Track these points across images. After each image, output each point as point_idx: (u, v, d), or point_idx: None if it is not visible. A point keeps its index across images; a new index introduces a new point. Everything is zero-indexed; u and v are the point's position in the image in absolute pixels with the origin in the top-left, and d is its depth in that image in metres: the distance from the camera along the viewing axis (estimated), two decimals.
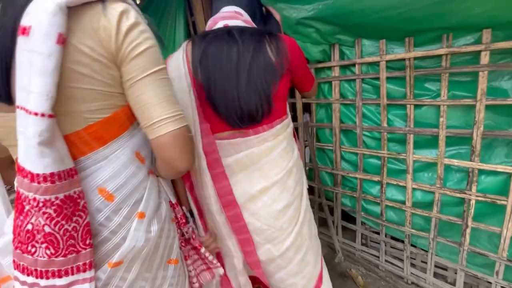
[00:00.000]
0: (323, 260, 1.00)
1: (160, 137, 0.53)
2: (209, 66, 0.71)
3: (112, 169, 0.54)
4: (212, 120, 0.75)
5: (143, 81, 0.52)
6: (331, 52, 1.49)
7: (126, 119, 0.57)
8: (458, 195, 1.25)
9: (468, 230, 1.25)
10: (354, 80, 1.46)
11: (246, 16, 0.81)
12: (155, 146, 0.56)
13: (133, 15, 0.51)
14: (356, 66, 1.42)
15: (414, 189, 1.39)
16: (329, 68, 1.54)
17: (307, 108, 1.78)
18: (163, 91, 0.53)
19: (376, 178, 1.50)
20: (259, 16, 0.90)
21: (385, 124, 1.40)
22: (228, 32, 0.72)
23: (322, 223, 1.88)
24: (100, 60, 0.49)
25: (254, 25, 0.82)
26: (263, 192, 0.79)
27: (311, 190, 1.86)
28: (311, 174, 1.82)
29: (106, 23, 0.48)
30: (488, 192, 1.18)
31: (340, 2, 1.20)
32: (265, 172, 0.79)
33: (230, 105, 0.71)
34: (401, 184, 1.42)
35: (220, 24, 0.77)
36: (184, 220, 0.77)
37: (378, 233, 1.61)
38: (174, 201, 0.73)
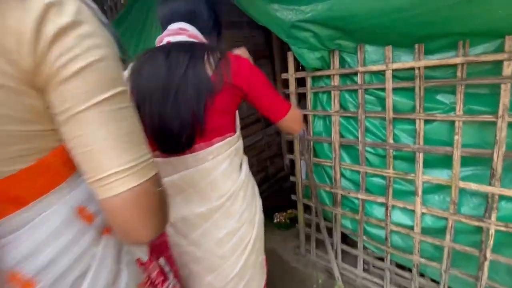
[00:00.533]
0: None
1: (112, 198, 0.36)
2: (142, 86, 0.68)
3: (33, 241, 0.36)
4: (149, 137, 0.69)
5: (86, 114, 0.34)
6: (330, 59, 1.34)
7: (62, 165, 0.39)
8: (475, 223, 1.10)
9: (487, 263, 1.10)
10: (356, 90, 1.31)
11: (192, 30, 0.75)
12: (105, 210, 0.38)
13: (70, 10, 0.32)
14: (359, 75, 1.27)
15: (423, 213, 1.23)
16: (328, 76, 1.39)
17: (303, 118, 1.63)
18: (119, 128, 0.36)
19: (380, 200, 1.34)
20: (212, 28, 0.81)
21: (390, 140, 1.25)
22: (163, 49, 0.69)
23: (319, 245, 1.72)
24: (5, 85, 0.31)
25: (203, 39, 0.76)
26: (203, 218, 0.74)
27: (307, 209, 1.70)
28: (307, 192, 1.66)
29: (19, 22, 0.30)
30: (510, 220, 1.03)
31: (341, 2, 1.05)
32: (206, 195, 0.73)
33: (155, 128, 0.67)
34: (408, 207, 1.26)
35: (164, 41, 0.73)
36: (162, 278, 0.60)
37: (382, 260, 1.45)
38: (145, 258, 0.56)
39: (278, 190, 2.87)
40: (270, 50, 2.67)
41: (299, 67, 1.79)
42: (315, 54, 1.30)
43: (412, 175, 1.21)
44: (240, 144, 0.79)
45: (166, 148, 0.69)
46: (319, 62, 1.33)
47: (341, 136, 1.42)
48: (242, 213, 0.78)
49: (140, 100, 0.67)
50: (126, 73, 0.70)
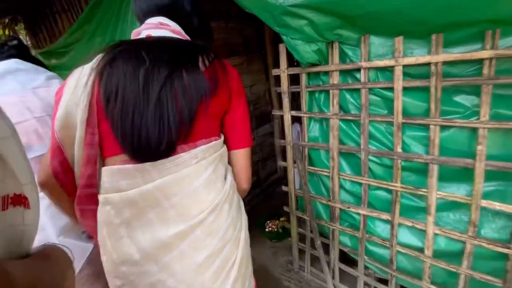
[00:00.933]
0: None
1: None
2: (113, 82, 0.57)
3: None
4: (111, 140, 0.59)
5: None
6: (328, 52, 1.14)
7: None
8: (499, 248, 0.92)
9: None
10: (358, 90, 1.11)
11: (174, 26, 0.68)
12: None
13: None
14: (362, 71, 1.07)
15: (436, 234, 1.06)
16: (326, 73, 1.20)
17: (298, 119, 1.44)
18: None
19: (385, 216, 1.16)
20: (197, 28, 0.74)
21: (399, 149, 1.06)
22: (144, 43, 0.61)
23: (314, 261, 1.54)
24: None
25: (187, 37, 0.69)
26: (180, 238, 0.60)
27: (301, 223, 1.51)
28: (302, 203, 1.48)
29: None
30: None
31: None
32: (185, 209, 0.61)
33: (127, 133, 0.56)
34: (418, 227, 1.08)
35: (142, 35, 0.66)
36: None
37: (386, 283, 1.27)
38: None
39: (271, 195, 2.69)
40: (262, 43, 2.46)
41: (293, 62, 1.58)
42: (311, 46, 1.10)
43: (424, 190, 1.03)
44: (224, 150, 0.69)
45: (138, 155, 0.58)
46: (315, 56, 1.13)
47: (341, 142, 1.23)
48: (226, 229, 0.66)
49: (110, 97, 0.56)
50: (91, 65, 0.59)
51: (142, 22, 0.70)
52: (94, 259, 0.92)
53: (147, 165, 0.57)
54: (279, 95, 2.74)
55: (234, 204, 0.70)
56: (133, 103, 0.55)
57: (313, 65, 1.20)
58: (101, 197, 0.60)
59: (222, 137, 0.68)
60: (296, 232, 1.55)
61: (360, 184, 1.21)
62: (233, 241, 0.68)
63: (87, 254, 0.92)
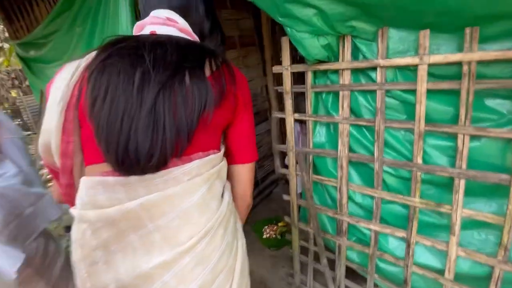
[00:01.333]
0: None
1: None
2: (102, 82, 0.50)
3: None
4: (94, 146, 0.52)
5: None
6: (339, 48, 0.99)
7: None
8: None
9: None
10: (373, 91, 0.97)
11: (184, 24, 0.61)
12: None
13: None
14: (378, 70, 0.93)
15: (459, 256, 0.94)
16: (335, 71, 1.05)
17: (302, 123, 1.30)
18: None
19: (401, 234, 1.04)
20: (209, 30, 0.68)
21: (419, 160, 0.93)
22: (145, 41, 0.52)
23: (318, 276, 1.42)
24: None
25: (196, 37, 0.63)
26: (164, 267, 0.52)
27: (304, 235, 1.39)
28: (305, 214, 1.35)
29: None
30: None
31: None
32: (173, 234, 0.53)
33: (112, 141, 0.48)
34: (439, 247, 0.96)
35: (146, 31, 0.60)
36: None
37: None
38: None
39: (268, 197, 2.56)
40: (260, 36, 2.29)
41: (296, 57, 1.43)
42: (320, 40, 0.95)
43: (448, 207, 0.91)
44: (224, 165, 0.61)
45: (123, 167, 0.50)
46: (324, 51, 0.98)
47: (351, 150, 1.09)
48: (219, 258, 0.57)
49: (98, 96, 0.50)
50: (78, 61, 0.53)
51: (146, 14, 0.63)
52: (31, 259, 0.92)
53: (132, 179, 0.50)
54: (279, 94, 2.60)
55: (229, 227, 0.61)
56: (124, 106, 0.48)
57: (321, 62, 1.05)
58: (76, 213, 0.52)
59: (223, 150, 0.61)
60: (297, 244, 1.43)
61: (371, 197, 1.08)
62: (226, 272, 0.59)
63: (20, 261, 0.86)
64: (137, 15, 1.47)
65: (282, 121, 2.80)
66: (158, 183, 0.52)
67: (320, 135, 1.19)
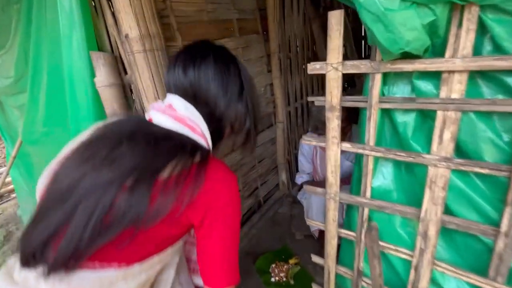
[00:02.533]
0: None
1: None
2: (57, 173, 0.51)
3: None
4: None
5: None
6: (447, 31, 0.53)
7: None
8: None
9: None
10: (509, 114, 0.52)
11: (182, 112, 0.55)
12: None
13: None
14: None
15: None
16: (427, 75, 0.58)
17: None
18: None
19: None
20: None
21: None
22: (120, 131, 0.53)
23: None
24: None
25: (199, 127, 0.55)
26: None
27: None
28: (343, 283, 0.90)
29: None
30: None
31: None
32: None
33: (31, 222, 0.49)
34: None
35: (148, 116, 0.59)
36: None
37: None
38: None
39: (272, 219, 2.11)
40: (264, 21, 1.80)
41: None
42: (422, 15, 0.48)
43: None
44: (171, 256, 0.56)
45: (27, 260, 0.47)
46: (426, 36, 0.51)
47: (447, 209, 0.64)
48: None
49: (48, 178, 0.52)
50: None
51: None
52: None
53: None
54: (287, 94, 2.11)
55: None
56: (57, 197, 0.49)
57: (404, 57, 0.58)
58: None
59: (180, 243, 0.56)
60: None
61: (477, 287, 0.64)
62: None
63: None
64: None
65: (289, 128, 2.32)
66: (92, 283, 0.48)
67: (381, 177, 0.73)
